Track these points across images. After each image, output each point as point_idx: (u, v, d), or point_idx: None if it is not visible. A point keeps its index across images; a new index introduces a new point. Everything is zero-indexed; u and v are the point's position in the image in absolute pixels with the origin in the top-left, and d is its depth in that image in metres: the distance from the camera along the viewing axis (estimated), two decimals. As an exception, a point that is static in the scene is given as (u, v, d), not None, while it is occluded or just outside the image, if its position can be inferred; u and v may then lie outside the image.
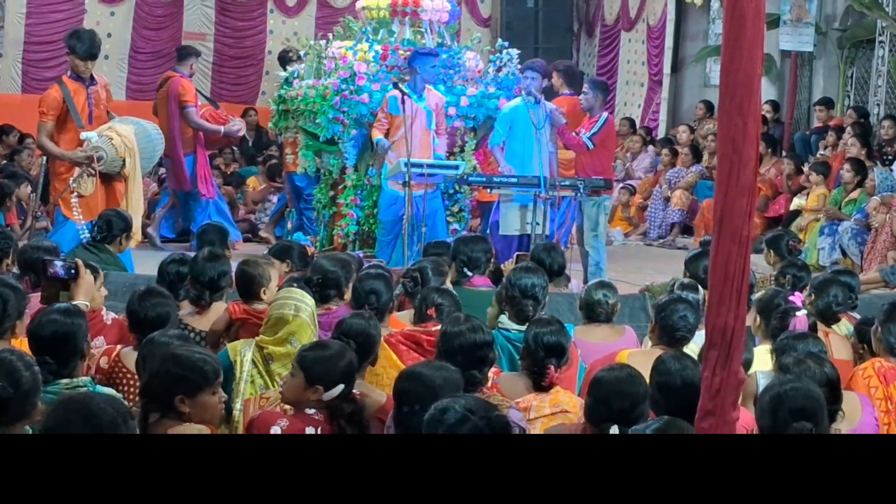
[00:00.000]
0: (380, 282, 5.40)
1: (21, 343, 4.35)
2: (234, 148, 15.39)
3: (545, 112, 9.30)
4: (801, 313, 5.16)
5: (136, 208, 8.08)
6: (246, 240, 12.12)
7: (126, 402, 4.27)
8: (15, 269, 6.03)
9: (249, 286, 5.39)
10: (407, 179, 8.56)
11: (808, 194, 11.64)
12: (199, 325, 5.37)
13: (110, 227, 6.95)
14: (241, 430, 4.44)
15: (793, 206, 11.78)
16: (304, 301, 4.78)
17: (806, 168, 12.06)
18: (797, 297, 5.43)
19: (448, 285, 5.99)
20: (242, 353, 4.69)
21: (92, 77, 8.17)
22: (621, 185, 13.46)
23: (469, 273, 6.62)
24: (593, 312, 5.77)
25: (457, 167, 9.03)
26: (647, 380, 4.15)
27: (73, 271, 4.94)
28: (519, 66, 9.96)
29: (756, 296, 5.85)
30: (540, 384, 4.66)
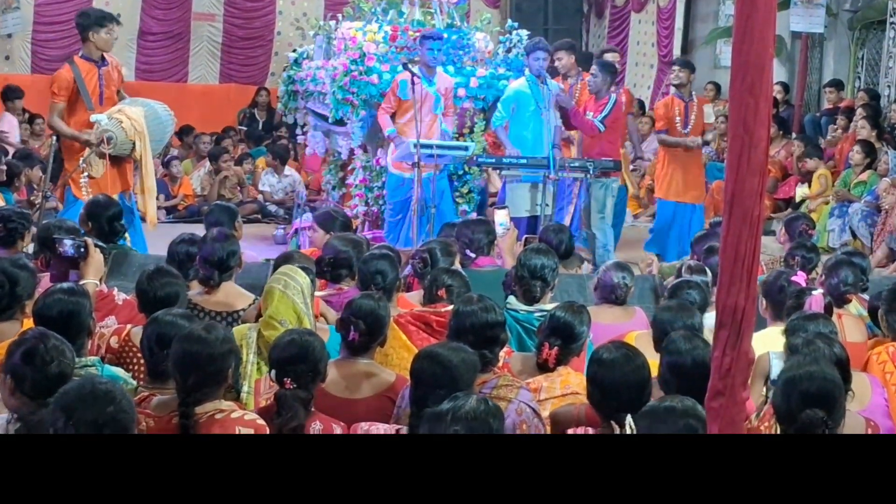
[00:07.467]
0: (385, 262, 5.38)
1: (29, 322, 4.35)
2: (242, 129, 15.45)
3: (550, 92, 9.29)
4: (817, 293, 5.13)
5: (149, 191, 8.07)
6: (254, 220, 12.16)
7: (134, 381, 4.31)
8: (30, 248, 6.03)
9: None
10: (416, 161, 8.55)
11: (809, 182, 11.63)
12: (209, 305, 5.35)
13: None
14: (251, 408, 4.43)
15: (798, 198, 11.76)
16: (295, 278, 4.63)
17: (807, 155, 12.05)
18: (800, 277, 5.40)
19: (457, 266, 6.00)
20: (248, 336, 4.58)
21: (103, 57, 8.14)
22: (631, 166, 13.42)
23: (472, 255, 6.62)
24: (611, 294, 5.77)
25: (466, 148, 9.01)
26: (657, 362, 4.16)
27: (82, 250, 4.94)
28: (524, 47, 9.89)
29: (761, 278, 5.83)
30: (537, 362, 4.66)
